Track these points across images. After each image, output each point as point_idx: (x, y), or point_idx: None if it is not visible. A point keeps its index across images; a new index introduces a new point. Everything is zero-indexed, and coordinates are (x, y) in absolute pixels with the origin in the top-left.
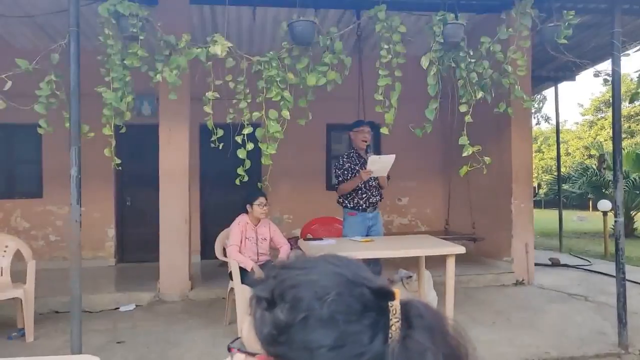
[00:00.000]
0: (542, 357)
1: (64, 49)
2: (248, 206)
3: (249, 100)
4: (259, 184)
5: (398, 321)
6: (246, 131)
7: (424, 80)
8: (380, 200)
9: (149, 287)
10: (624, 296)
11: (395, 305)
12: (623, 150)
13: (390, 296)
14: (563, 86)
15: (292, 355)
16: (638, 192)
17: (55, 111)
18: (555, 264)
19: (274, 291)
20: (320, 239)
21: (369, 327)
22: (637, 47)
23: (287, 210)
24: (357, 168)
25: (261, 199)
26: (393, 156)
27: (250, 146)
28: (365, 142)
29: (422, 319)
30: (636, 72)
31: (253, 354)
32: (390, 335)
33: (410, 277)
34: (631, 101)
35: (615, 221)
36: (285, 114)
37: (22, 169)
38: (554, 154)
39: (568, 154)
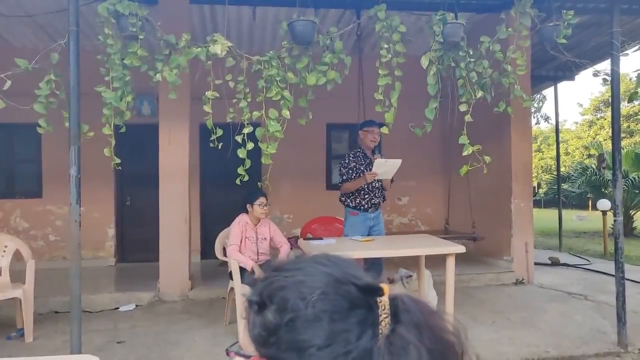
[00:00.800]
0: (542, 356)
1: (64, 49)
2: (248, 206)
3: (249, 100)
4: (259, 183)
5: (387, 317)
6: (246, 130)
7: (424, 79)
8: (383, 202)
9: (149, 287)
10: (623, 295)
11: (383, 301)
12: (622, 150)
13: (379, 292)
14: (562, 86)
15: (282, 355)
16: (637, 191)
17: (54, 110)
18: (555, 263)
19: (263, 294)
20: (320, 238)
21: (357, 324)
22: (636, 47)
23: (287, 209)
24: (362, 168)
25: (261, 199)
26: (399, 161)
27: (250, 146)
28: (374, 142)
29: (409, 314)
30: (635, 71)
31: (248, 357)
32: (380, 331)
33: (410, 276)
34: (630, 100)
35: (615, 220)
36: (286, 113)
37: (22, 169)
38: (553, 153)
39: (567, 153)
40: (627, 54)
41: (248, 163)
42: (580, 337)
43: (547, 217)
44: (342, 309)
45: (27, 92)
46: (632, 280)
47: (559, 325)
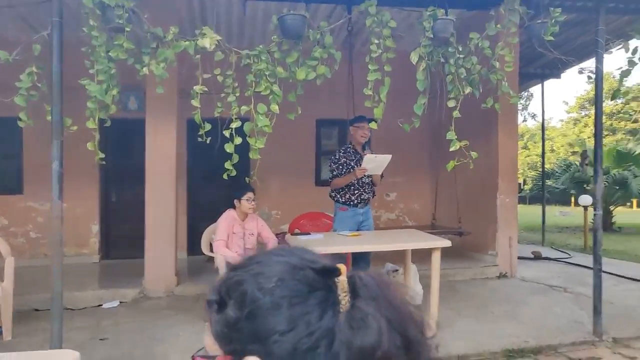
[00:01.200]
0: (521, 346)
1: (47, 40)
2: (236, 201)
3: (237, 94)
4: (247, 178)
5: (346, 295)
6: (234, 125)
7: (414, 75)
8: (373, 197)
9: (134, 284)
10: (600, 287)
11: (341, 281)
12: (604, 147)
13: (336, 273)
14: (549, 84)
15: (247, 348)
16: (618, 187)
17: (37, 104)
18: (537, 257)
19: (221, 292)
20: (308, 233)
21: (317, 305)
22: (620, 46)
23: (276, 205)
24: (352, 164)
25: (249, 194)
26: (389, 156)
27: (238, 140)
28: (365, 138)
29: (366, 289)
30: (618, 69)
31: (213, 357)
32: (340, 309)
33: (397, 270)
34: (612, 98)
35: (595, 214)
36: (274, 108)
37: (2, 164)
38: (539, 150)
39: (553, 150)
40: (612, 52)
41: (236, 158)
42: (559, 328)
43: (531, 212)
44: (301, 293)
45: (8, 84)
46: (609, 273)
47: (539, 317)
